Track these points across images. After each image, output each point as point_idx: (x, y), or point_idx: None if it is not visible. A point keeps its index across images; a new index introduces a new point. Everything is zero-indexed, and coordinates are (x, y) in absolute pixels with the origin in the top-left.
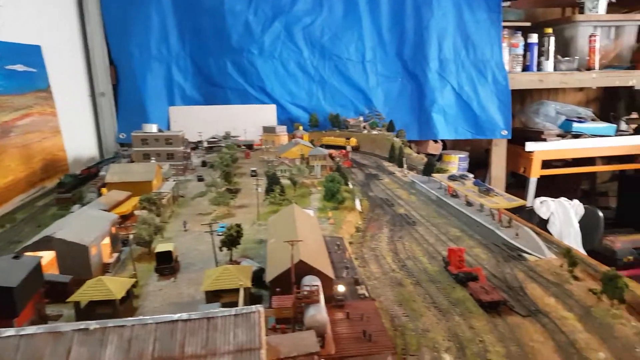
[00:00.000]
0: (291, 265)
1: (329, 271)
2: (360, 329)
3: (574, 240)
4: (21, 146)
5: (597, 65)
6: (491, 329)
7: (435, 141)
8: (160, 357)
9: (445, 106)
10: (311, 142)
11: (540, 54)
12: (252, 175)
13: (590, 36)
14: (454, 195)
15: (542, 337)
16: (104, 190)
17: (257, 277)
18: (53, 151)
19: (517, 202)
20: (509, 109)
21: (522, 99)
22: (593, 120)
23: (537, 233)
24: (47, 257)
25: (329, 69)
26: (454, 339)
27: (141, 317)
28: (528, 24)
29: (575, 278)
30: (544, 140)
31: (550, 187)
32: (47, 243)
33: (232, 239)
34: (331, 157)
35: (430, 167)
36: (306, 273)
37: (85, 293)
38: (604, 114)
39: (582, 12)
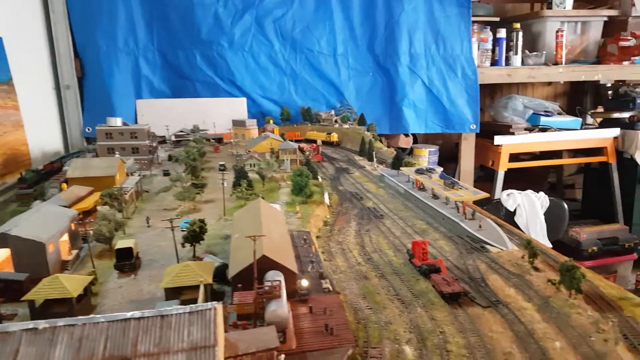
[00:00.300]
0: (253, 261)
1: (292, 266)
2: (322, 323)
3: (540, 231)
4: None
5: (563, 60)
6: (452, 320)
7: (406, 135)
8: (111, 356)
9: (415, 100)
10: (281, 135)
11: (508, 49)
12: (221, 170)
13: (558, 31)
14: (421, 188)
15: (501, 328)
16: (64, 185)
17: (221, 273)
18: (15, 146)
19: (481, 194)
20: (477, 103)
21: (492, 93)
22: (559, 114)
23: (499, 225)
24: (2, 254)
25: (300, 62)
26: (415, 331)
27: (92, 315)
28: (497, 19)
29: (536, 269)
30: (512, 134)
31: (519, 179)
32: (2, 240)
33: (195, 235)
34: (301, 150)
35: (399, 160)
36: (269, 268)
37: (40, 291)
38: (571, 108)
39: (550, 7)
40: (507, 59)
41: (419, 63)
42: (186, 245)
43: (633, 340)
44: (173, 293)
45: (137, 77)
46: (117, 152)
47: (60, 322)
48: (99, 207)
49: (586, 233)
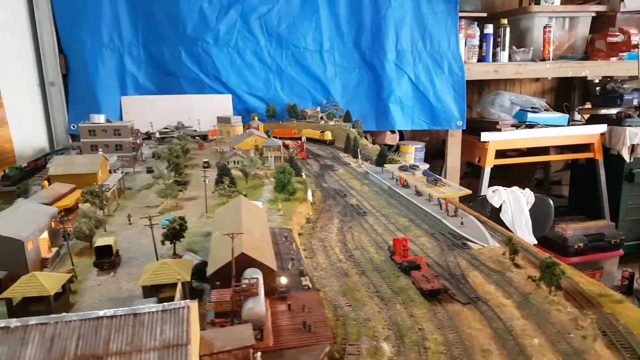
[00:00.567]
0: (232, 259)
1: (272, 263)
2: (301, 321)
3: (525, 227)
4: None
5: (551, 56)
6: (431, 317)
7: (393, 132)
8: (83, 354)
9: (402, 97)
10: (266, 132)
11: (495, 45)
12: (204, 167)
13: (545, 27)
14: (405, 185)
15: (480, 325)
16: (45, 183)
17: (201, 270)
18: None
19: (464, 191)
20: (464, 99)
21: (480, 89)
22: (546, 110)
23: (482, 222)
24: None
25: (286, 58)
26: (394, 328)
27: (64, 313)
28: (484, 14)
29: (517, 266)
30: (499, 130)
31: (505, 176)
32: None
33: (174, 233)
34: (286, 147)
35: (383, 157)
36: (248, 266)
37: (18, 289)
38: (559, 104)
39: (537, 3)
40: (494, 55)
41: (406, 59)
42: (166, 242)
43: (612, 337)
44: (152, 291)
45: (122, 74)
46: (100, 149)
47: (32, 320)
48: (80, 205)
49: (572, 229)
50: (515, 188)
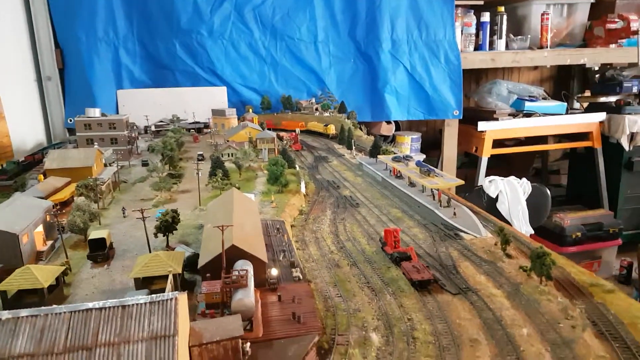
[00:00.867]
0: (222, 251)
1: (262, 255)
2: (291, 311)
3: (522, 217)
4: None
5: (549, 44)
6: (420, 308)
7: (388, 122)
8: (72, 345)
9: (397, 87)
10: (260, 124)
11: (492, 33)
12: (199, 160)
13: (543, 14)
14: (398, 176)
15: (469, 315)
16: (40, 177)
17: (193, 262)
18: None
19: (456, 182)
20: (460, 89)
21: (478, 78)
22: (544, 99)
23: (475, 212)
24: None
25: (280, 50)
26: (383, 318)
27: (54, 306)
28: (481, 2)
29: (508, 256)
30: (496, 119)
31: (503, 166)
32: None
33: (167, 225)
34: (280, 139)
35: (377, 148)
36: (239, 258)
37: (12, 282)
38: (558, 92)
39: None
40: (491, 43)
41: (401, 49)
42: (160, 235)
43: (601, 327)
44: (144, 283)
45: (118, 67)
46: (95, 143)
47: (23, 312)
48: (75, 198)
49: (570, 219)
50: (512, 178)
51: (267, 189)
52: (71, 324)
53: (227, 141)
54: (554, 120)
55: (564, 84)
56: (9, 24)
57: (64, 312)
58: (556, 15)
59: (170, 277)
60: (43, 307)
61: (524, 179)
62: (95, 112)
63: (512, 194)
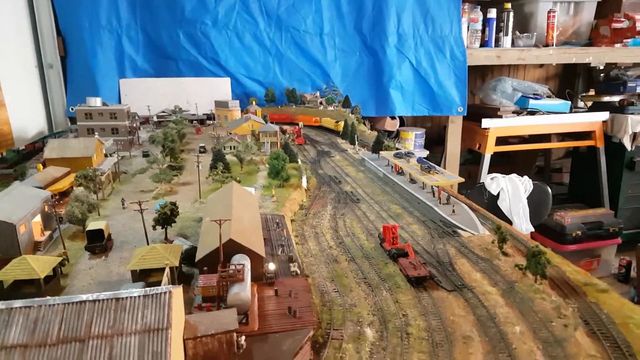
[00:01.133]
0: (219, 245)
1: (260, 249)
2: (287, 306)
3: (523, 215)
4: None
5: (554, 42)
6: (415, 304)
7: (393, 117)
8: (65, 337)
9: (402, 82)
10: (264, 117)
11: (498, 30)
12: (201, 152)
13: (549, 12)
14: (400, 172)
15: (463, 312)
16: (39, 166)
17: (191, 255)
18: None
19: (456, 179)
20: (465, 85)
21: (483, 75)
22: (549, 97)
23: (473, 210)
24: None
25: (285, 41)
26: (378, 313)
27: (48, 297)
28: None
29: (505, 254)
30: (500, 117)
31: (507, 163)
32: None
33: (165, 218)
34: (283, 132)
35: (379, 144)
36: (237, 252)
37: (8, 272)
38: (563, 91)
39: None
40: (497, 40)
41: (407, 44)
42: (158, 227)
43: (593, 326)
44: (141, 275)
45: (120, 56)
46: (96, 133)
47: (17, 303)
48: (74, 188)
49: (571, 217)
50: (513, 175)
51: (268, 183)
52: (64, 315)
53: (230, 134)
54: (558, 118)
55: (569, 82)
56: (10, 9)
57: (58, 304)
58: (562, 13)
59: (167, 270)
60: (37, 299)
61: (526, 177)
62: (96, 102)
63: (514, 192)
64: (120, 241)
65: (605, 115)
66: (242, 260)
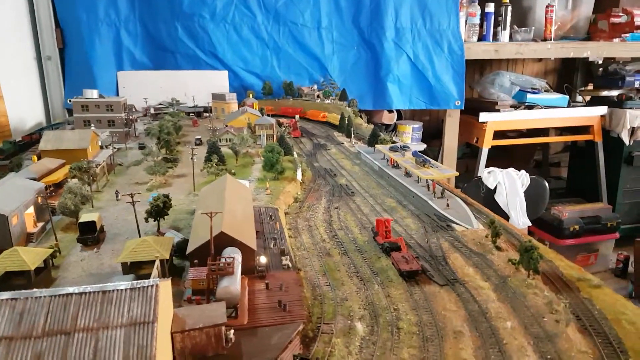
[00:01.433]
0: (210, 237)
1: (252, 243)
2: (277, 299)
3: (520, 209)
4: None
5: (552, 36)
6: (407, 298)
7: (390, 111)
8: (51, 329)
9: (400, 76)
10: (260, 110)
11: (496, 24)
12: (197, 144)
13: (547, 6)
14: (395, 166)
15: (455, 306)
16: (34, 158)
17: (182, 248)
18: None
19: (451, 173)
20: (463, 79)
21: (481, 69)
22: (547, 91)
23: (468, 204)
24: None
25: (283, 35)
26: (370, 308)
27: (34, 289)
28: None
29: (498, 248)
30: (498, 111)
31: (505, 157)
32: None
33: (158, 210)
34: (280, 125)
35: (375, 137)
36: (228, 245)
37: None
38: (561, 85)
39: None
40: (495, 34)
41: (405, 37)
42: (150, 220)
43: (585, 322)
44: (132, 268)
45: (119, 49)
46: (92, 125)
47: (3, 295)
48: (68, 180)
49: (568, 211)
50: (510, 169)
51: (263, 176)
52: (51, 308)
53: (226, 126)
54: (556, 112)
55: (568, 76)
56: (9, 1)
57: (44, 296)
58: (561, 7)
59: (157, 262)
60: (23, 291)
61: (523, 171)
62: (92, 94)
63: (511, 186)
64: (113, 233)
65: (603, 109)
66: (232, 254)
